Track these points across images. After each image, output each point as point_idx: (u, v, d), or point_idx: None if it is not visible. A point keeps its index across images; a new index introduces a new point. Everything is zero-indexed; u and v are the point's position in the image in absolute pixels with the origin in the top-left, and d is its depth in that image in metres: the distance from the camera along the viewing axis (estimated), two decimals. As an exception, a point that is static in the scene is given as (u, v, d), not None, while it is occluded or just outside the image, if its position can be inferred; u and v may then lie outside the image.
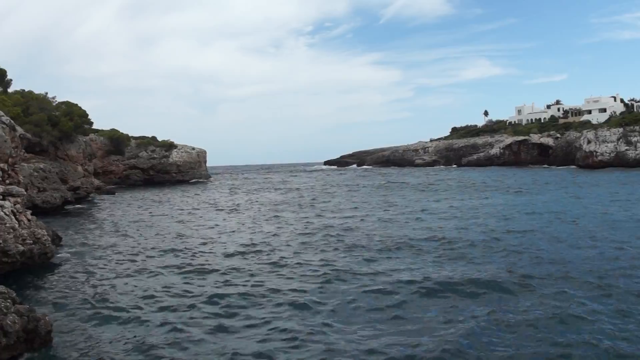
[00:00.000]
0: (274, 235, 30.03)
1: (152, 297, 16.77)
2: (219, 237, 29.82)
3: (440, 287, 16.73)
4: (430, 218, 35.13)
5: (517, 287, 16.58)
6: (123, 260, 23.47)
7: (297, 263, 21.72)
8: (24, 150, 35.96)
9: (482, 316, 13.85)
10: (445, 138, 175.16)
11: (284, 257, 23.04)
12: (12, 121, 28.81)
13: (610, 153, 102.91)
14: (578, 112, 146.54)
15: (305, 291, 16.97)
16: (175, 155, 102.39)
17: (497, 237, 26.05)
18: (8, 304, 11.77)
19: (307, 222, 35.33)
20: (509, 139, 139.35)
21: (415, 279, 17.78)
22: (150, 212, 44.65)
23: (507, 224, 31.02)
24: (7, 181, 23.21)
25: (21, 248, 19.26)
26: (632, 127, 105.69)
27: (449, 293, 16.22)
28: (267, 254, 24.03)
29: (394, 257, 22.27)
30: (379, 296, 16.16)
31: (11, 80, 52.38)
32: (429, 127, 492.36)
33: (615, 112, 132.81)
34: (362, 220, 35.25)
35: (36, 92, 59.60)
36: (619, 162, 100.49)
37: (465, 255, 22.06)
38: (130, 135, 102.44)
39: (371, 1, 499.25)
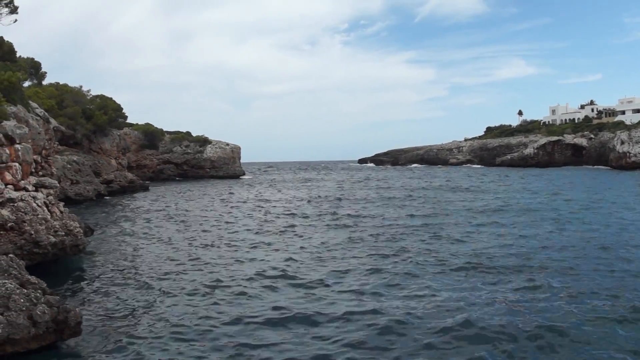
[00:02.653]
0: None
1: (185, 290, 16.72)
2: (263, 239, 28.46)
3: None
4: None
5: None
6: (155, 253, 23.49)
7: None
8: (57, 143, 36.28)
9: None
10: (480, 137, 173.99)
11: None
12: (46, 113, 29.10)
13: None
14: (612, 113, 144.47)
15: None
16: (209, 151, 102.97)
17: None
18: (38, 294, 11.78)
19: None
20: (543, 139, 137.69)
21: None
22: (185, 207, 44.69)
23: None
24: (40, 173, 23.37)
25: (53, 239, 19.34)
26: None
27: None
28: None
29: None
30: None
31: (46, 72, 52.74)
32: (463, 126, 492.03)
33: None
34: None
35: (71, 85, 60.30)
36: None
37: None
38: (164, 130, 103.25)
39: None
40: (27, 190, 20.47)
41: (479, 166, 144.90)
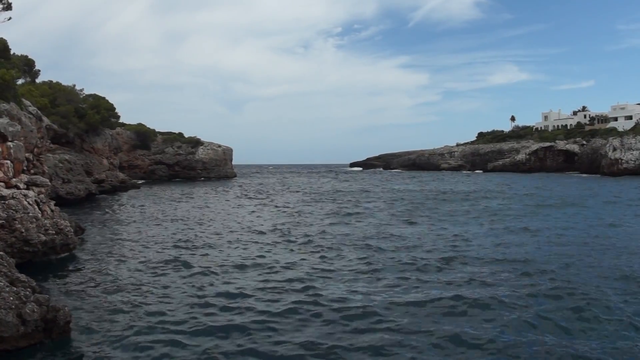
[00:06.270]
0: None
1: (172, 290, 16.67)
2: (253, 242, 28.95)
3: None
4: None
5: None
6: (144, 253, 23.41)
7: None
8: (49, 141, 36.18)
9: None
10: (472, 143, 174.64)
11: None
12: (38, 111, 29.04)
13: (635, 160, 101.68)
14: (604, 119, 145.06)
15: None
16: (201, 152, 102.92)
17: None
18: (28, 292, 11.74)
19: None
20: (535, 145, 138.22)
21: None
22: (175, 208, 44.62)
23: None
24: (32, 171, 23.34)
25: (43, 238, 19.29)
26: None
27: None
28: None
29: None
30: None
31: (39, 70, 52.59)
32: (455, 131, 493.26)
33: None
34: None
35: (64, 83, 60.11)
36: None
37: None
38: (156, 130, 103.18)
39: (400, 4, 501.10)
40: (18, 188, 20.44)
41: (470, 171, 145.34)
